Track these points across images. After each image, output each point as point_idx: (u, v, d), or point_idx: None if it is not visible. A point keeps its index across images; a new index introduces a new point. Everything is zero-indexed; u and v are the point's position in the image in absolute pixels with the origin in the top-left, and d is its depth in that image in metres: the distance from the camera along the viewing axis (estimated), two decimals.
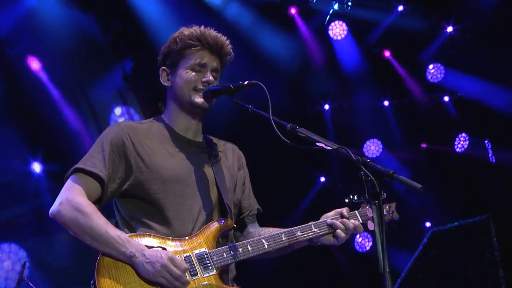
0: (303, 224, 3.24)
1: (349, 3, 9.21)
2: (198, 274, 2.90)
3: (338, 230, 3.20)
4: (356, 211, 3.35)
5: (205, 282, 2.90)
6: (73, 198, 2.91)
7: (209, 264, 2.94)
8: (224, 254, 2.99)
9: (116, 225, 3.13)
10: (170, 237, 2.97)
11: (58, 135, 7.82)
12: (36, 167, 7.62)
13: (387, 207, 3.42)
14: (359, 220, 3.31)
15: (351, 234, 3.23)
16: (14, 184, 7.56)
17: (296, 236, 3.16)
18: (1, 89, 7.35)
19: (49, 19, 7.49)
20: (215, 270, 2.94)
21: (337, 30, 9.37)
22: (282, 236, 3.14)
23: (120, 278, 2.82)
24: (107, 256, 2.85)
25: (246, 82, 3.05)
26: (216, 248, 3.00)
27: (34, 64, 7.67)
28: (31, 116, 7.64)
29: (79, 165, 3.00)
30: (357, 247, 9.94)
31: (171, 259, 2.81)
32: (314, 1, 9.15)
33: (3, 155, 7.33)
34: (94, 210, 2.91)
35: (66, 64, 8.08)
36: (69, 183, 2.98)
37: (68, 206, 2.90)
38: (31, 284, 6.09)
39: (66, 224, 2.92)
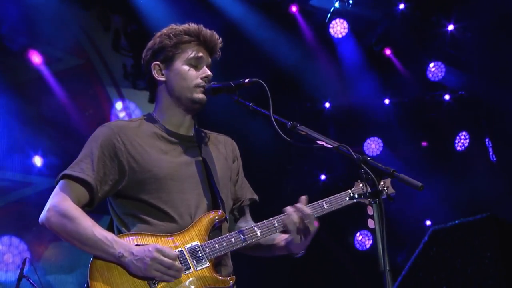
0: None
1: (350, 1, 9.21)
2: (191, 268, 2.90)
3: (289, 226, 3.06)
4: (350, 190, 3.30)
5: (198, 275, 2.90)
6: (59, 204, 2.91)
7: (201, 257, 2.93)
8: (217, 245, 2.97)
9: (111, 223, 3.13)
10: (161, 234, 2.96)
11: (59, 129, 7.84)
12: (37, 160, 7.63)
13: (382, 183, 3.32)
14: (353, 200, 3.24)
15: (305, 225, 3.07)
16: (15, 178, 7.58)
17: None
18: (2, 83, 7.36)
19: (50, 14, 7.49)
20: (208, 262, 2.93)
21: (338, 28, 9.38)
22: (275, 222, 3.11)
23: (113, 279, 2.82)
24: (99, 259, 2.86)
25: (246, 80, 3.05)
26: (209, 240, 2.99)
27: (36, 58, 7.68)
28: (32, 110, 7.65)
29: (67, 171, 2.99)
30: (357, 245, 9.95)
31: (160, 250, 2.81)
32: None
33: (4, 149, 7.35)
34: (80, 214, 2.90)
35: (67, 59, 8.10)
36: (56, 190, 2.99)
37: (55, 213, 2.90)
38: (31, 281, 6.11)
39: (54, 230, 2.93)
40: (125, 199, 3.06)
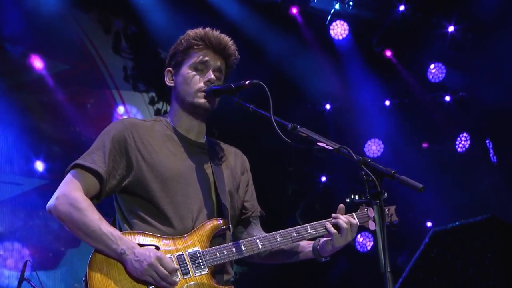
0: (302, 224, 3.24)
1: (351, 3, 9.21)
2: (190, 273, 2.91)
3: (332, 230, 3.18)
4: (354, 214, 3.35)
5: (196, 281, 2.91)
6: (69, 193, 2.92)
7: (201, 263, 2.94)
8: (217, 253, 2.99)
9: (115, 221, 3.14)
10: (164, 236, 2.97)
11: (61, 134, 7.85)
12: (39, 165, 7.64)
13: (386, 210, 3.42)
14: (356, 223, 3.29)
15: (350, 233, 3.21)
16: (17, 183, 7.59)
17: (291, 237, 3.16)
18: (4, 87, 7.38)
19: (51, 17, 7.50)
20: (207, 269, 2.94)
21: (339, 29, 9.38)
22: (277, 236, 3.14)
23: (111, 275, 2.83)
24: (100, 253, 2.87)
25: (247, 82, 3.06)
26: (210, 247, 3.00)
27: (37, 62, 7.69)
28: (33, 114, 7.66)
29: (79, 161, 3.01)
30: (358, 247, 9.94)
31: (159, 259, 2.82)
32: (315, 0, 9.16)
33: (6, 153, 7.35)
34: (89, 206, 2.91)
35: (68, 62, 8.11)
36: (67, 178, 2.99)
37: (64, 201, 2.91)
38: (32, 284, 6.11)
39: (61, 219, 2.94)
40: (130, 195, 3.07)
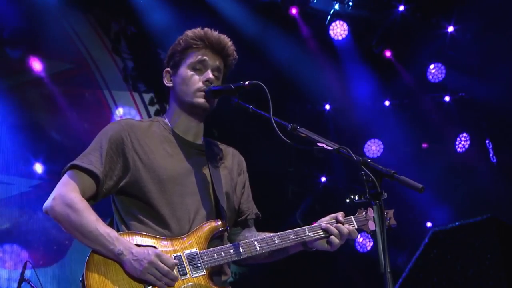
0: (301, 225, 3.24)
1: (350, 3, 9.22)
2: (188, 274, 2.91)
3: (332, 236, 3.19)
4: (352, 217, 3.35)
5: (194, 282, 2.91)
6: (66, 194, 2.92)
7: (199, 265, 2.94)
8: (215, 255, 2.99)
9: (112, 222, 3.13)
10: (162, 237, 2.97)
11: (60, 136, 7.84)
12: (38, 167, 7.63)
13: (385, 213, 3.42)
14: (354, 226, 3.30)
15: (345, 239, 3.23)
16: (16, 185, 7.59)
17: (289, 240, 3.15)
18: (3, 90, 7.37)
19: (50, 20, 7.50)
20: (204, 271, 2.94)
21: (338, 30, 9.39)
22: (275, 239, 3.13)
23: (109, 275, 2.83)
24: (97, 254, 2.86)
25: (247, 82, 3.05)
26: (208, 249, 3.00)
27: (36, 65, 7.69)
28: (33, 116, 7.66)
29: (75, 161, 3.01)
30: (358, 247, 9.94)
31: (158, 256, 2.82)
32: (315, 1, 9.16)
33: (6, 155, 7.35)
34: (86, 207, 2.91)
35: (68, 64, 8.11)
36: (64, 179, 2.99)
37: (60, 202, 2.91)
38: (32, 284, 6.11)
39: (57, 220, 2.94)
40: (126, 196, 3.07)
